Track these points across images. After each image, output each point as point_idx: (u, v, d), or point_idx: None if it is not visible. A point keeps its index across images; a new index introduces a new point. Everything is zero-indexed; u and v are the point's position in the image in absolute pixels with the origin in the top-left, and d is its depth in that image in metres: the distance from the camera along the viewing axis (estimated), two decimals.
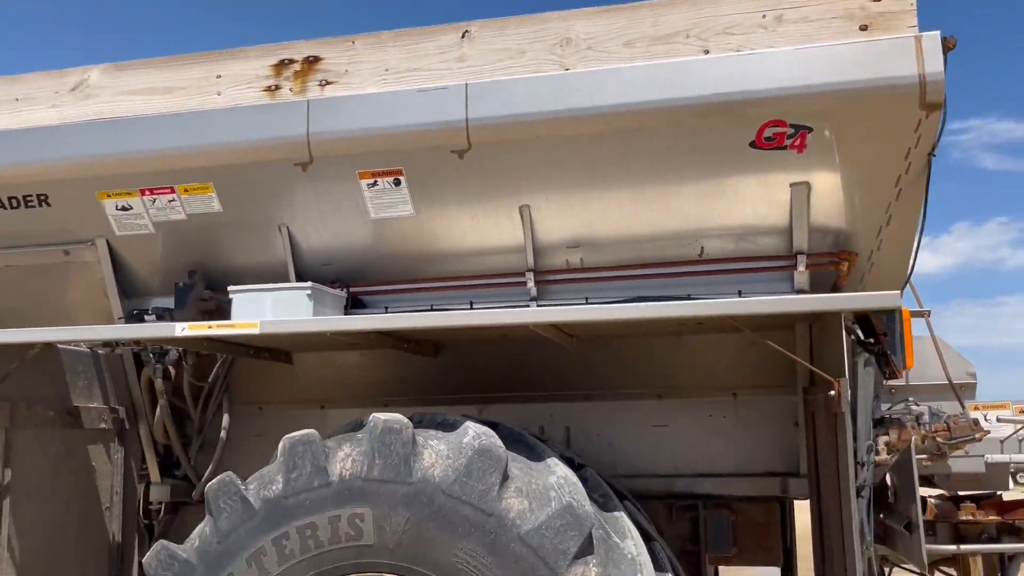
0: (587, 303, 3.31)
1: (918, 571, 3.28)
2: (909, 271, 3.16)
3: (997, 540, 3.23)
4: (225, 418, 3.76)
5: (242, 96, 3.40)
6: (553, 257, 3.37)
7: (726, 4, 3.04)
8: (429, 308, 3.47)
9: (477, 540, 2.46)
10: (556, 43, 3.16)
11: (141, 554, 3.90)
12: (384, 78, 3.29)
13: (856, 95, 2.87)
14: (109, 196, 3.54)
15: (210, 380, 3.75)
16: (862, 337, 2.80)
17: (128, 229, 3.60)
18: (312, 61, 3.36)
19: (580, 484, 2.62)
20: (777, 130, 2.98)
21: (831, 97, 2.89)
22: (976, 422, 3.20)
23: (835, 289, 3.21)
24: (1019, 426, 3.62)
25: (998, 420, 3.57)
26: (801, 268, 3.13)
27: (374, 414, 2.72)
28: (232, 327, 2.92)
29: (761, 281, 3.23)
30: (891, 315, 2.62)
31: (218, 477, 2.75)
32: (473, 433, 2.63)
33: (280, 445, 2.77)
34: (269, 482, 2.67)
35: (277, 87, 3.37)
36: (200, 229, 3.54)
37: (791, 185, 3.07)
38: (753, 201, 3.15)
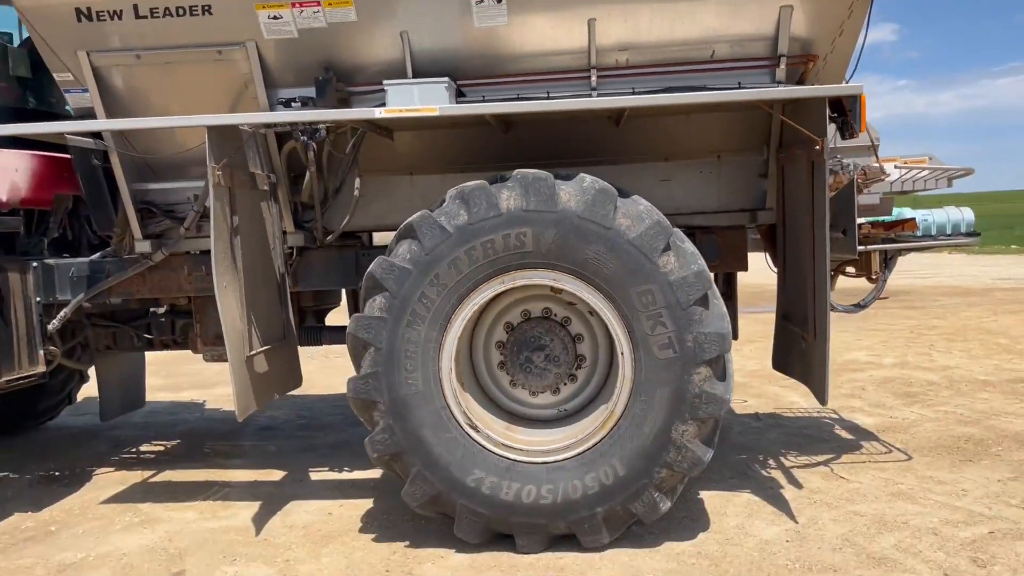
0: (633, 92, 4.66)
1: (844, 263, 5.08)
2: (853, 68, 4.66)
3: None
4: (357, 181, 4.99)
5: None
6: (608, 58, 4.66)
7: None
8: (516, 97, 4.72)
9: (601, 244, 3.95)
10: None
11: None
12: None
13: None
14: (264, 8, 4.50)
15: (347, 152, 4.93)
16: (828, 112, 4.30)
17: (275, 34, 4.60)
18: None
19: (658, 210, 4.12)
20: None
21: None
22: (883, 169, 4.89)
23: (800, 81, 4.70)
24: (904, 171, 5.40)
25: (895, 168, 5.29)
26: (782, 67, 4.58)
27: (520, 170, 4.09)
28: (418, 111, 4.13)
29: (753, 76, 4.66)
30: (855, 98, 4.12)
31: (418, 214, 4.09)
32: (590, 180, 4.06)
33: (453, 191, 4.12)
34: (455, 216, 4.04)
35: None
36: (336, 35, 4.59)
37: (780, 7, 4.44)
38: (752, 18, 4.51)
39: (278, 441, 6.68)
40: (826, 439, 6.12)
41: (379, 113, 4.14)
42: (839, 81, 4.73)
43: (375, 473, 5.52)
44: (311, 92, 4.75)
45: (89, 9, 4.52)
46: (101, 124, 4.68)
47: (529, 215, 3.99)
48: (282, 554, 4.30)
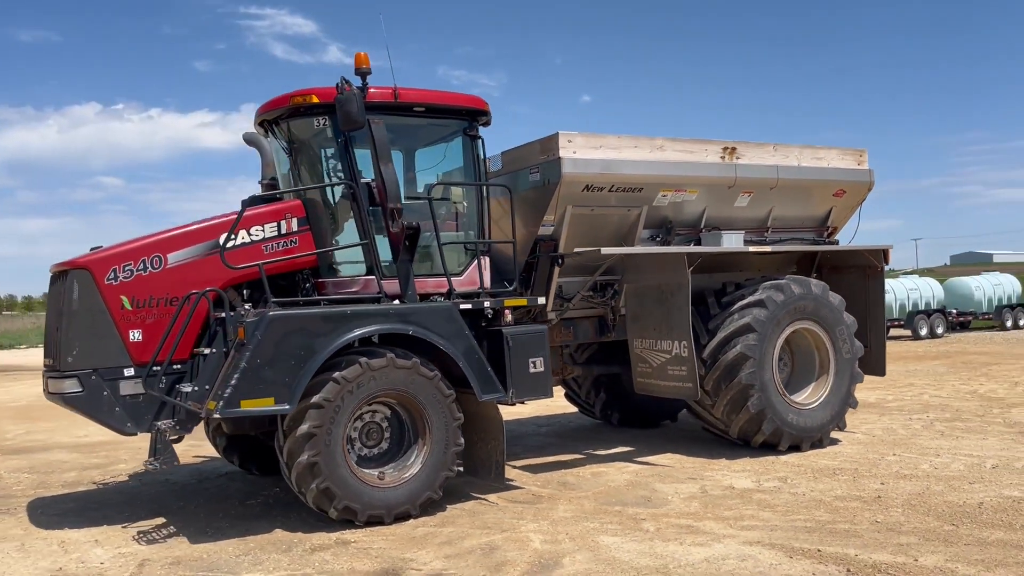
0: (782, 240, 9.89)
1: None
2: (855, 231, 10.54)
3: None
4: None
5: (710, 158, 9.01)
6: (773, 222, 9.81)
7: (828, 151, 9.93)
8: (720, 241, 9.56)
9: (827, 309, 9.11)
10: (775, 154, 9.60)
11: None
12: (754, 159, 9.29)
13: (856, 183, 10.12)
14: (664, 191, 8.76)
15: None
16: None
17: (659, 203, 8.85)
18: (733, 149, 9.15)
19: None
20: (840, 190, 10.04)
21: (851, 183, 10.09)
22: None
23: (829, 236, 10.41)
24: None
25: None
26: (829, 231, 10.28)
27: (789, 275, 9.06)
28: (777, 250, 8.81)
29: (814, 234, 10.26)
30: (887, 250, 9.93)
31: (762, 294, 8.74)
32: (815, 282, 9.20)
33: (767, 285, 8.88)
34: (776, 296, 8.80)
35: (724, 157, 9.09)
36: (682, 205, 9.02)
37: (833, 207, 10.16)
38: (819, 210, 10.15)
39: (532, 440, 10.01)
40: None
41: (752, 248, 8.77)
42: (840, 235, 10.59)
43: (646, 449, 9.58)
44: (658, 232, 9.06)
45: (592, 185, 8.26)
46: (631, 249, 8.49)
47: (805, 295, 8.99)
48: (757, 469, 8.38)
